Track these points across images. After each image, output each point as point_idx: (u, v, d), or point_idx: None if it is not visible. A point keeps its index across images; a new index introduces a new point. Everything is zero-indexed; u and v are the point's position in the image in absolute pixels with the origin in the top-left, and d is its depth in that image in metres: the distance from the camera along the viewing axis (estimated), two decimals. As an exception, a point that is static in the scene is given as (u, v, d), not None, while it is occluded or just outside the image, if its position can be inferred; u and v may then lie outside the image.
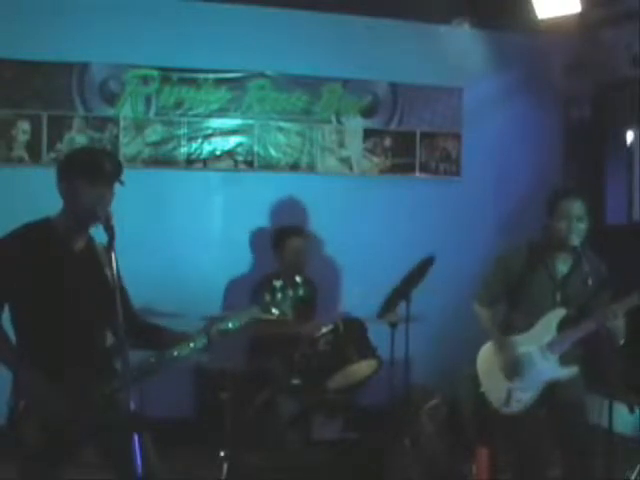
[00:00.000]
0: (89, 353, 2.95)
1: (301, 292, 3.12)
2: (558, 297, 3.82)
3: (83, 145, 5.33)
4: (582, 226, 3.73)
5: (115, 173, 2.96)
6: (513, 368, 3.80)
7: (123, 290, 3.10)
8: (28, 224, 2.96)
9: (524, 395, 3.79)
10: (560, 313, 3.80)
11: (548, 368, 3.78)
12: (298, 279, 3.15)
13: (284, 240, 5.12)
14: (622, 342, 3.70)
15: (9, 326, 2.91)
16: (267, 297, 3.10)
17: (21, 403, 2.81)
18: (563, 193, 3.84)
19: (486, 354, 3.99)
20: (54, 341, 2.88)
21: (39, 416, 2.77)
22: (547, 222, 3.81)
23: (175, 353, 3.03)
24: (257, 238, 5.78)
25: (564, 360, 3.79)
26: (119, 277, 2.72)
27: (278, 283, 3.11)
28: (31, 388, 2.80)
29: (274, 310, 3.11)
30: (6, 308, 2.91)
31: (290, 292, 3.10)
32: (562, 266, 3.84)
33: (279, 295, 3.09)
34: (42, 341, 2.88)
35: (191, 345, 3.05)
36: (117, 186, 2.98)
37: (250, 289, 5.02)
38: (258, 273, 5.51)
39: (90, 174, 2.90)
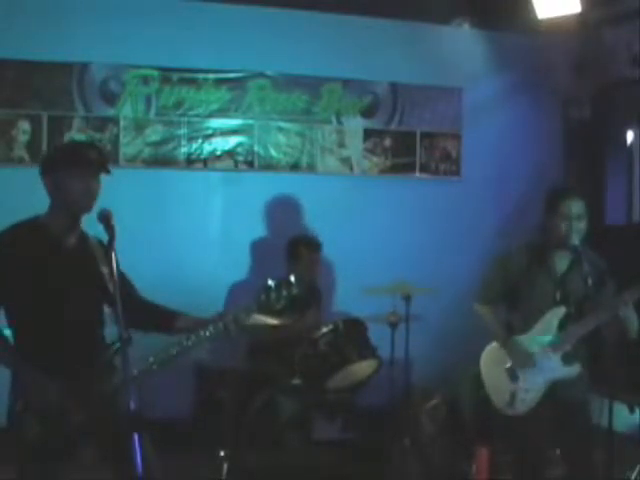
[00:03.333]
0: (87, 350, 2.94)
1: (295, 291, 3.11)
2: (558, 296, 3.81)
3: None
4: (581, 225, 3.71)
5: (99, 163, 2.95)
6: (523, 362, 3.78)
7: (125, 279, 3.09)
8: (17, 224, 2.96)
9: (528, 395, 3.78)
10: (560, 312, 3.79)
11: (551, 367, 3.77)
12: (292, 278, 3.13)
13: (300, 251, 5.11)
14: (635, 335, 3.69)
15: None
16: (262, 296, 3.09)
17: (20, 402, 2.82)
18: (562, 192, 3.82)
19: (490, 356, 3.98)
20: (51, 339, 2.87)
21: (38, 415, 2.77)
22: (546, 221, 3.80)
23: (189, 342, 3.01)
24: (257, 238, 5.78)
25: (567, 359, 3.79)
26: (119, 276, 2.71)
27: (272, 282, 3.10)
28: (30, 387, 2.80)
29: (273, 305, 3.09)
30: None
31: (284, 291, 3.09)
32: (561, 265, 3.83)
33: (273, 294, 3.08)
34: (39, 340, 2.87)
35: (206, 333, 3.04)
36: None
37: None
38: (258, 273, 5.51)
39: (74, 166, 2.89)
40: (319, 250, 5.20)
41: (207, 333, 3.03)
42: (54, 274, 2.90)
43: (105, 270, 2.94)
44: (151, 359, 2.99)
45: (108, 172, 2.96)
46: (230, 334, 3.05)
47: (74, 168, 2.89)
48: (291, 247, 5.16)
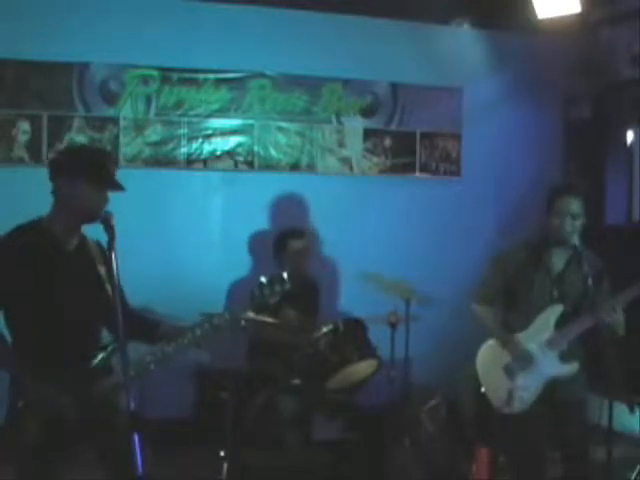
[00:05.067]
0: (86, 352, 2.95)
1: (288, 287, 3.11)
2: (555, 294, 3.82)
3: (83, 143, 5.33)
4: (577, 223, 3.71)
5: (114, 175, 2.96)
6: (522, 361, 3.78)
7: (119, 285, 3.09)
8: (20, 226, 2.95)
9: (525, 394, 3.78)
10: (557, 310, 3.79)
11: (548, 365, 3.78)
12: (285, 275, 3.14)
13: (285, 243, 5.09)
14: (622, 333, 3.70)
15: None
16: (256, 293, 3.10)
17: (20, 403, 2.82)
18: (559, 190, 3.83)
19: (485, 354, 3.99)
20: (51, 341, 2.87)
21: (38, 416, 2.77)
22: (544, 219, 3.81)
23: (171, 349, 3.02)
24: (257, 238, 5.78)
25: (564, 357, 3.79)
26: (118, 276, 2.71)
27: (265, 279, 3.10)
28: (30, 388, 2.80)
29: (267, 301, 3.10)
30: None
31: (277, 288, 3.10)
32: (558, 263, 3.84)
33: (266, 291, 3.09)
34: (38, 340, 2.87)
35: (185, 341, 3.04)
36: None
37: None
38: (258, 273, 5.50)
39: (96, 176, 2.89)
40: (304, 239, 5.16)
41: (200, 333, 3.04)
42: (55, 276, 2.90)
43: (102, 272, 2.96)
44: (148, 358, 2.99)
45: (122, 190, 2.95)
46: (225, 332, 3.06)
47: (95, 178, 2.88)
48: (276, 241, 5.16)
